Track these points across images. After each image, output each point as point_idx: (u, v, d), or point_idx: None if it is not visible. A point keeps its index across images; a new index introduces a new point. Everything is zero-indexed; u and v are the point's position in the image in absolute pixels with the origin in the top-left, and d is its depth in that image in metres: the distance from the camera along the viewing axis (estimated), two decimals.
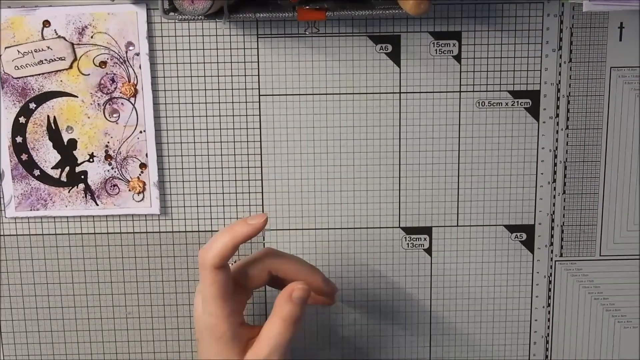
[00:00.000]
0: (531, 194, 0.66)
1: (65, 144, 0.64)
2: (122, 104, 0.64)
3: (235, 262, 0.64)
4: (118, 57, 0.63)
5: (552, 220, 0.67)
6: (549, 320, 0.69)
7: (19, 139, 0.64)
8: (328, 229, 0.67)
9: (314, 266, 0.62)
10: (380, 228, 0.67)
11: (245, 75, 0.64)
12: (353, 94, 0.64)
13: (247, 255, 0.62)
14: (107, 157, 0.64)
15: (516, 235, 0.67)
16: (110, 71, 0.63)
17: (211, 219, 0.66)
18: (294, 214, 0.66)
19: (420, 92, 0.64)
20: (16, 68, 0.63)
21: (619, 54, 0.64)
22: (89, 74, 0.63)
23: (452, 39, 0.63)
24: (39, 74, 0.63)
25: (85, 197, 0.65)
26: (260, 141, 0.65)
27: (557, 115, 0.65)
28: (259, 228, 0.57)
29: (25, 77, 0.63)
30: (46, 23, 0.62)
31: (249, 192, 0.66)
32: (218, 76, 0.64)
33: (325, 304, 0.64)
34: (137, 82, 0.63)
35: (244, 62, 0.64)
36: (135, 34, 0.62)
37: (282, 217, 0.66)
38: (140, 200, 0.65)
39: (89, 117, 0.64)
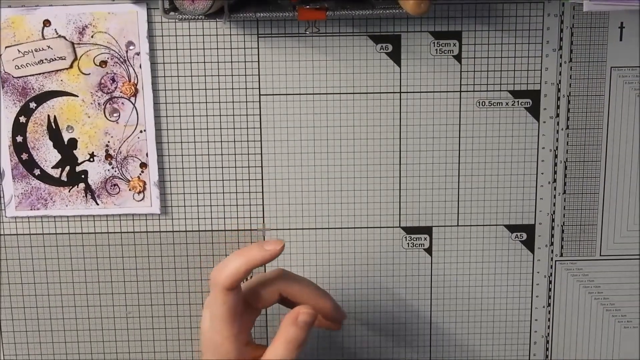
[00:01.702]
0: (531, 194, 0.66)
1: (66, 143, 0.64)
2: (122, 103, 0.64)
3: (246, 280, 0.64)
4: (118, 56, 0.63)
5: (553, 220, 0.67)
6: (549, 320, 0.69)
7: (19, 139, 0.64)
8: (328, 228, 0.67)
9: (325, 291, 0.62)
10: (381, 228, 0.67)
11: (245, 75, 0.64)
12: (353, 93, 0.64)
13: (259, 274, 0.62)
14: (108, 156, 0.64)
15: (516, 235, 0.67)
16: (110, 71, 0.63)
17: (211, 218, 0.66)
18: (294, 214, 0.66)
19: (420, 92, 0.64)
20: (16, 67, 0.63)
21: (619, 54, 0.64)
22: (89, 74, 0.63)
23: (453, 38, 0.63)
24: (39, 74, 0.63)
25: (86, 196, 0.65)
26: (261, 141, 0.65)
27: (558, 115, 0.65)
28: (275, 254, 0.57)
29: (25, 76, 0.63)
30: (46, 22, 0.62)
31: (249, 192, 0.66)
32: (218, 76, 0.64)
33: (332, 328, 0.63)
34: (137, 82, 0.63)
35: (245, 61, 0.64)
36: (135, 34, 0.62)
37: (282, 216, 0.66)
38: (141, 200, 0.65)
39: (89, 117, 0.64)
